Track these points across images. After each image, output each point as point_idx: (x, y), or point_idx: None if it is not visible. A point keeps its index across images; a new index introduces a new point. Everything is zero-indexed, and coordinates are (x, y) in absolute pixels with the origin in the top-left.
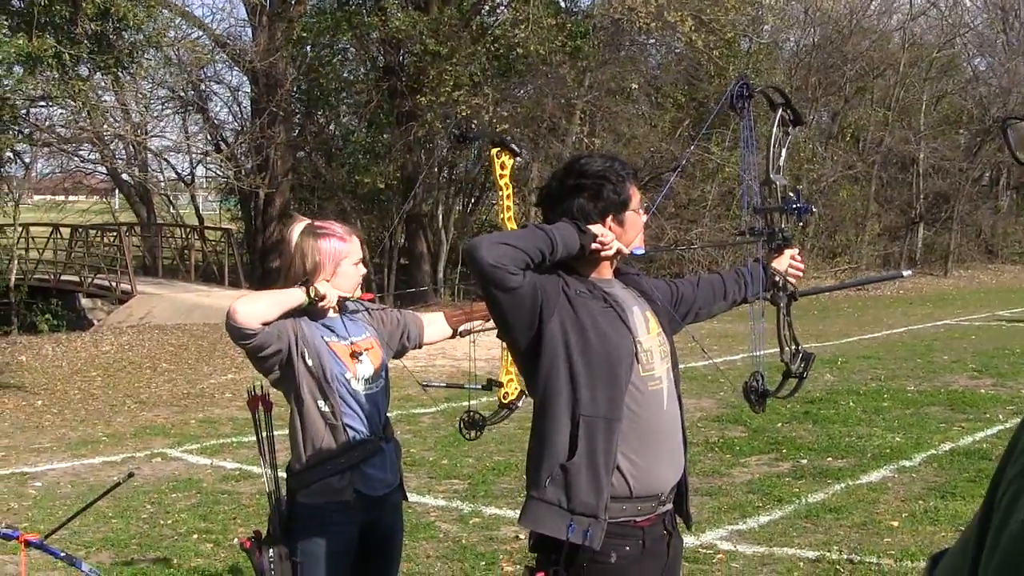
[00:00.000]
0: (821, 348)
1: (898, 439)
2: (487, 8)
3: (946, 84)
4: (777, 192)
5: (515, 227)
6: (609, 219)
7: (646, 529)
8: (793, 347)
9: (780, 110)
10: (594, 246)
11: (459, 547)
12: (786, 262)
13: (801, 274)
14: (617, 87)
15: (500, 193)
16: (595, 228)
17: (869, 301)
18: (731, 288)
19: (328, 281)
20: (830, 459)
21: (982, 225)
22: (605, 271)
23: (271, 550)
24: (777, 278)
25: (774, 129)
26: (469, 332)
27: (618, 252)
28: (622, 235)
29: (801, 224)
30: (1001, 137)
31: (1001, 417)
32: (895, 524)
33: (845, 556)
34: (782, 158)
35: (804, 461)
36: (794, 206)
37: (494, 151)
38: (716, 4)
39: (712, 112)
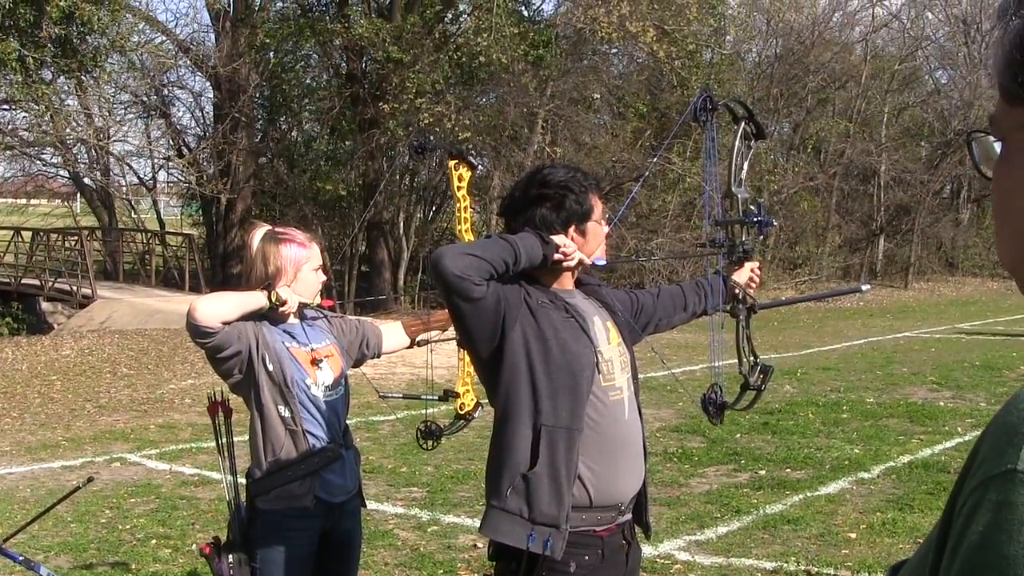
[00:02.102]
0: (781, 359)
1: (857, 451)
2: (450, 16)
3: (908, 96)
4: (739, 205)
5: (472, 239)
6: (571, 229)
7: (605, 539)
8: (751, 359)
9: (743, 124)
10: (556, 256)
11: (417, 555)
12: (746, 275)
13: (756, 285)
14: (579, 96)
15: (457, 205)
16: (557, 238)
17: (829, 313)
18: (691, 300)
19: (289, 287)
20: (788, 470)
21: (943, 238)
22: (566, 281)
23: (230, 556)
24: (737, 291)
25: (736, 142)
26: (427, 342)
27: (580, 263)
28: (584, 245)
29: (762, 237)
30: (963, 149)
31: (960, 430)
32: (853, 536)
33: (803, 567)
34: (744, 171)
35: (762, 472)
36: (755, 219)
37: (452, 163)
38: (678, 15)
39: (675, 123)
